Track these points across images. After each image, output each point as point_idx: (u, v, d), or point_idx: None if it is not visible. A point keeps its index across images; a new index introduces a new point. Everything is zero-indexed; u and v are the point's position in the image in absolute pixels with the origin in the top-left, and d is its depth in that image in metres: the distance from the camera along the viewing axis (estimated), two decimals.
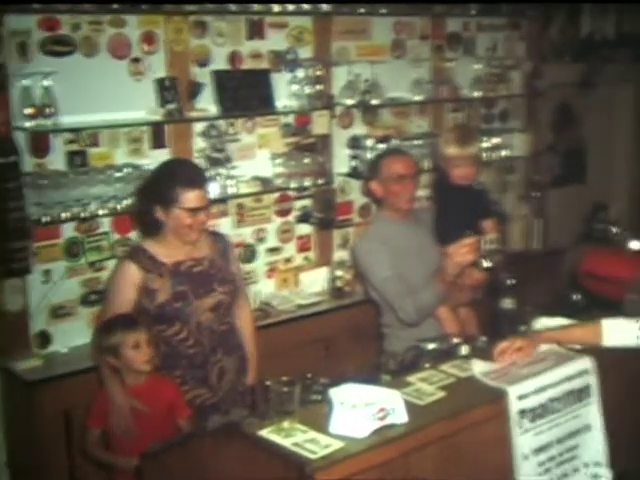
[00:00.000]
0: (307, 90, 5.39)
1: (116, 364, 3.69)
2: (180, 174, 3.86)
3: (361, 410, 2.92)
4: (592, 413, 3.47)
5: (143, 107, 4.85)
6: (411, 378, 3.40)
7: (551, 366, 3.42)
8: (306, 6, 5.31)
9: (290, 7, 5.24)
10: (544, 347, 3.56)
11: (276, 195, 5.54)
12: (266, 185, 5.30)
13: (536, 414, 3.27)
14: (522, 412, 3.23)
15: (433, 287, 4.02)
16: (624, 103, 8.27)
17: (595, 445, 3.49)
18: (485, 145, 6.36)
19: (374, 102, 5.69)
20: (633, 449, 3.85)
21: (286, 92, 5.44)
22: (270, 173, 5.37)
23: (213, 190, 4.93)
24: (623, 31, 7.82)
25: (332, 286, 5.68)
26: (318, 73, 5.41)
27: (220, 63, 5.18)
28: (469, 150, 4.19)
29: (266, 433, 2.94)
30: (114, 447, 3.75)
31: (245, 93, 5.18)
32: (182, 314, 3.83)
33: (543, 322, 3.78)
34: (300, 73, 5.44)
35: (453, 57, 6.36)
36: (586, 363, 3.49)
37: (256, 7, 5.10)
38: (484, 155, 6.34)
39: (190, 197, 3.77)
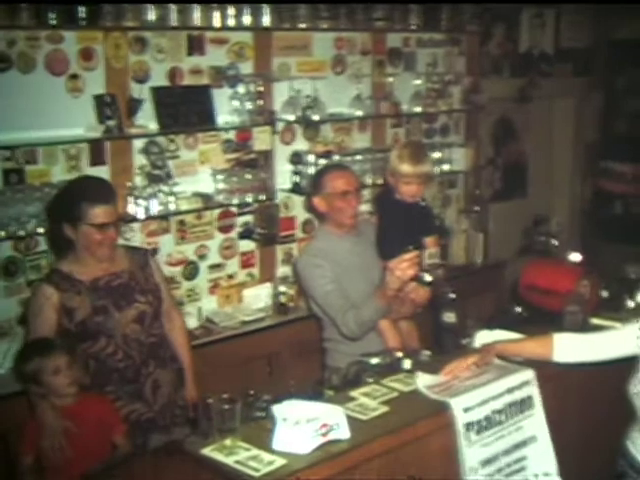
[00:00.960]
0: (248, 106, 5.37)
1: (39, 390, 3.60)
2: (86, 190, 3.84)
3: (304, 426, 2.92)
4: (536, 424, 3.51)
5: (82, 124, 4.79)
6: (354, 393, 3.41)
7: (493, 378, 3.45)
8: (247, 21, 5.28)
9: (231, 23, 5.21)
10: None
11: (218, 211, 5.50)
12: (208, 201, 5.27)
13: (481, 426, 3.30)
14: (468, 425, 3.25)
15: (374, 301, 4.01)
16: (564, 117, 8.37)
17: (543, 455, 3.53)
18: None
19: (315, 118, 5.68)
20: (582, 458, 3.90)
21: (227, 108, 5.41)
22: (211, 189, 5.33)
23: (153, 207, 4.93)
24: (561, 46, 7.91)
25: (275, 302, 5.66)
26: (259, 89, 5.40)
27: (160, 79, 5.14)
28: (422, 168, 4.18)
29: (208, 451, 2.94)
30: (50, 472, 3.61)
31: (185, 109, 5.14)
32: (105, 328, 3.79)
33: (484, 335, 3.80)
34: (241, 89, 5.41)
35: (394, 72, 6.38)
36: (527, 375, 3.52)
37: (196, 22, 5.07)
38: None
39: (97, 213, 3.74)
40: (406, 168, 4.12)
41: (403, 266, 3.85)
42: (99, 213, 3.75)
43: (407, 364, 3.73)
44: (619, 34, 8.07)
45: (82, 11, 4.60)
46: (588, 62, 8.20)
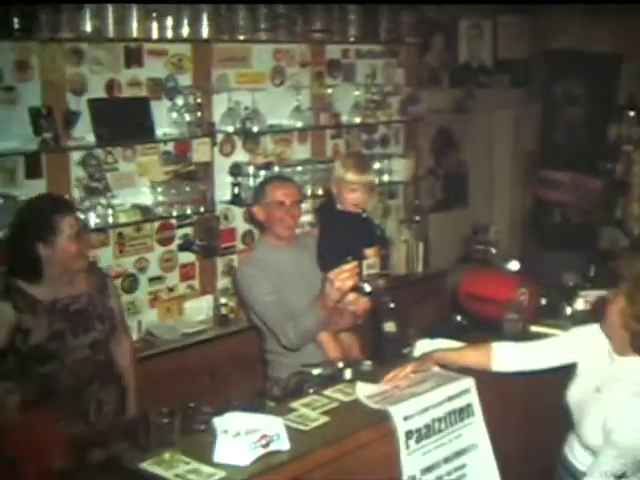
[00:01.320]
0: (187, 118, 5.34)
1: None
2: (55, 204, 3.84)
3: (244, 438, 2.92)
4: (476, 432, 3.53)
5: (17, 136, 4.73)
6: (295, 404, 3.41)
7: (433, 387, 3.47)
8: (185, 33, 5.26)
9: (169, 34, 5.19)
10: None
11: (157, 224, 5.47)
12: (147, 214, 5.23)
13: (421, 434, 3.32)
14: (408, 433, 3.26)
15: (314, 312, 4.01)
16: (503, 127, 8.47)
17: (483, 463, 3.55)
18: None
19: (255, 129, 5.68)
20: (524, 465, 3.93)
21: (166, 120, 5.38)
22: (150, 201, 5.30)
23: (92, 220, 4.89)
24: (499, 57, 8.00)
25: (216, 314, 5.63)
26: (198, 101, 5.38)
27: (97, 91, 5.10)
28: (366, 177, 4.19)
29: (147, 465, 2.92)
30: None
31: (123, 121, 5.10)
32: (58, 353, 3.76)
33: (425, 344, 3.82)
34: (180, 101, 5.39)
35: (333, 84, 6.40)
36: (467, 383, 3.55)
37: (134, 34, 5.04)
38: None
39: (72, 222, 3.76)
40: (351, 176, 4.13)
41: (342, 277, 3.85)
42: (73, 223, 3.77)
43: (348, 374, 3.73)
44: (555, 45, 8.18)
45: (17, 22, 4.53)
46: (526, 73, 8.30)
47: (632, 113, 7.43)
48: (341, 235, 4.20)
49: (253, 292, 4.22)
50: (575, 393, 3.31)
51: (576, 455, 3.32)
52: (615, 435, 3.03)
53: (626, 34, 7.62)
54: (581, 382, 3.31)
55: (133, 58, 5.24)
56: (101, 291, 4.00)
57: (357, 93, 6.49)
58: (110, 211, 5.01)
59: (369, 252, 4.22)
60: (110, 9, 4.88)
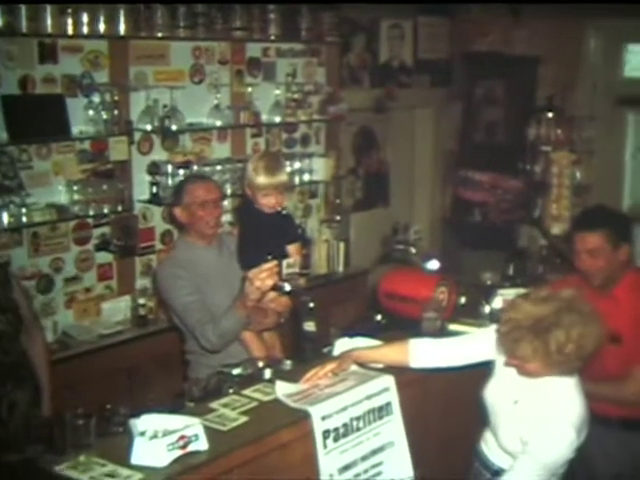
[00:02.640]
0: (104, 115, 5.26)
1: None
2: None
3: (161, 439, 2.89)
4: (394, 429, 3.54)
5: None
6: (214, 404, 3.39)
7: (353, 385, 3.47)
8: (102, 29, 5.17)
9: (85, 30, 5.09)
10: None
11: (73, 223, 5.37)
12: (62, 213, 5.14)
13: (339, 433, 3.31)
14: (326, 432, 3.26)
15: (234, 312, 3.97)
16: (424, 127, 8.51)
17: (399, 461, 3.56)
18: (287, 170, 6.35)
19: (173, 128, 5.62)
20: (443, 460, 3.95)
21: (82, 117, 5.28)
22: (66, 200, 5.21)
23: (4, 219, 4.80)
24: (420, 58, 8.04)
25: (135, 314, 5.57)
26: (115, 98, 5.30)
27: (11, 88, 4.98)
28: (278, 179, 4.16)
29: (62, 468, 2.87)
30: None
31: (38, 118, 4.97)
32: None
33: (344, 343, 3.82)
34: (96, 98, 5.30)
35: (253, 82, 6.35)
36: (387, 381, 3.55)
37: (49, 30, 4.94)
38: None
39: None
40: (262, 180, 4.11)
41: (262, 276, 3.82)
42: None
43: (268, 373, 3.72)
44: (475, 46, 8.27)
45: None
46: (446, 73, 8.36)
47: (550, 114, 7.53)
48: (260, 234, 4.19)
49: (173, 292, 4.17)
50: (493, 396, 3.33)
51: (492, 452, 3.35)
52: (530, 447, 3.07)
53: (544, 37, 7.74)
54: (499, 385, 3.32)
55: (48, 54, 5.13)
56: (2, 285, 3.94)
57: (277, 92, 6.46)
58: (24, 210, 4.91)
59: (291, 249, 4.23)
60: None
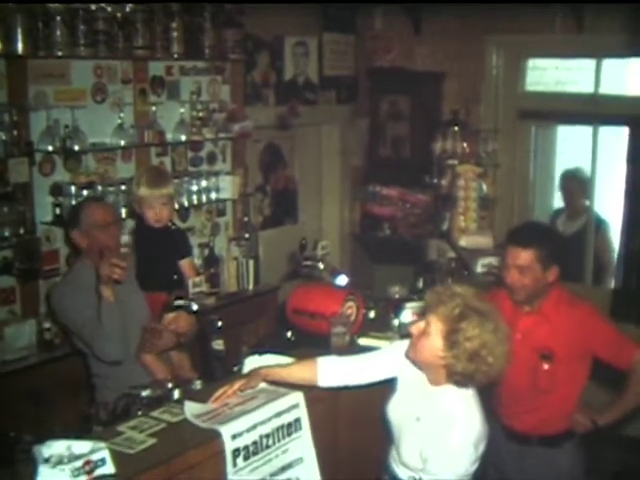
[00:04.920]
0: (3, 136, 5.12)
1: None
2: None
3: (66, 466, 2.83)
4: (303, 445, 3.54)
5: None
6: (121, 427, 3.35)
7: (262, 403, 3.45)
8: None
9: None
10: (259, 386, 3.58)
11: None
12: None
13: (249, 452, 3.30)
14: (236, 451, 3.24)
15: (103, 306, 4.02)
16: (330, 143, 8.53)
17: (308, 476, 3.56)
18: (194, 188, 6.37)
19: (76, 148, 5.51)
20: (354, 475, 3.95)
21: None
22: None
23: None
24: (325, 74, 8.07)
25: (40, 339, 5.43)
26: (14, 118, 5.17)
27: None
28: (161, 191, 4.21)
29: None
30: None
31: None
32: None
33: (254, 360, 3.79)
34: None
35: (157, 101, 6.29)
36: (296, 397, 3.55)
37: None
38: (194, 198, 6.37)
39: None
40: (144, 191, 4.18)
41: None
42: None
43: (176, 394, 3.68)
44: (379, 62, 8.35)
45: None
46: (352, 90, 8.41)
47: (455, 128, 7.63)
48: (154, 252, 4.25)
49: (68, 313, 4.16)
50: (395, 413, 3.35)
51: (398, 467, 3.35)
52: (429, 465, 3.10)
53: (447, 53, 7.88)
54: (402, 401, 3.34)
55: None
56: None
57: (182, 110, 6.41)
58: None
59: (183, 265, 4.23)
60: None
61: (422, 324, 3.12)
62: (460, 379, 3.09)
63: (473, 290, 3.15)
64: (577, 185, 7.45)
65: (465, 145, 7.58)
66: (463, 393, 3.15)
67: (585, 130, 7.56)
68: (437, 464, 3.08)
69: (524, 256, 3.80)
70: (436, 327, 3.06)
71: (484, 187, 7.52)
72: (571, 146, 8.25)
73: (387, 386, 3.46)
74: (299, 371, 3.59)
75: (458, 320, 3.01)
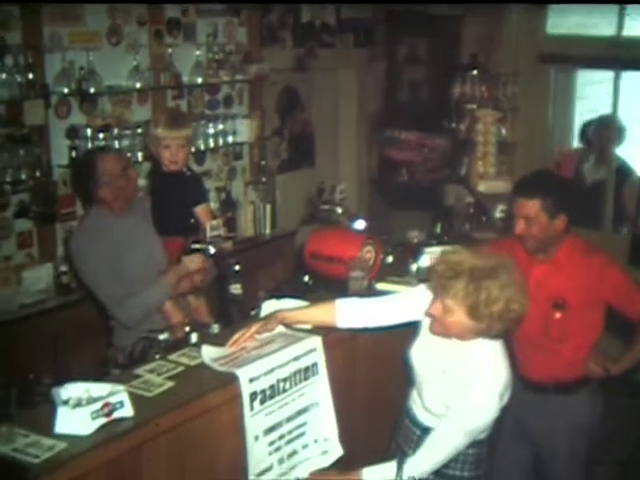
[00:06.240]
0: (18, 78, 5.10)
1: None
2: None
3: (85, 408, 2.84)
4: (319, 390, 3.53)
5: None
6: (139, 370, 3.33)
7: (280, 347, 3.44)
8: None
9: None
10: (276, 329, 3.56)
11: None
12: None
13: (266, 395, 3.30)
14: (253, 394, 3.23)
15: (161, 288, 4.05)
16: (348, 87, 8.46)
17: (323, 421, 3.56)
18: (211, 131, 6.35)
19: (92, 90, 5.49)
20: (370, 420, 3.95)
21: None
22: None
23: None
24: (342, 17, 7.98)
25: (57, 282, 5.46)
26: (29, 60, 5.14)
27: None
28: (179, 132, 4.16)
29: None
30: None
31: None
32: None
33: (271, 304, 3.78)
34: (9, 60, 5.13)
35: (173, 43, 6.24)
36: (314, 342, 3.53)
37: None
38: (211, 142, 6.35)
39: None
40: (162, 132, 4.12)
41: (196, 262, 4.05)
42: None
43: (194, 338, 3.66)
44: (398, 6, 8.23)
45: None
46: (369, 33, 8.31)
47: (474, 72, 7.55)
48: (169, 197, 4.20)
49: (85, 267, 4.13)
50: (419, 361, 3.33)
51: (419, 410, 3.35)
52: (453, 412, 3.10)
53: None
54: (425, 349, 3.31)
55: None
56: None
57: (198, 52, 6.36)
58: None
59: (198, 211, 4.21)
60: None
61: (439, 305, 3.09)
62: (495, 336, 3.08)
63: (469, 251, 3.11)
64: (606, 131, 7.31)
65: (484, 89, 7.52)
66: (492, 345, 3.14)
67: (606, 75, 7.44)
68: (461, 412, 3.08)
69: (529, 206, 3.76)
70: (455, 307, 3.02)
71: (503, 132, 7.47)
72: (591, 91, 8.13)
73: (405, 329, 3.44)
74: (317, 313, 3.56)
75: (474, 295, 2.97)
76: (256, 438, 3.25)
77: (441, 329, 3.14)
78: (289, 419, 3.41)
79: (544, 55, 7.66)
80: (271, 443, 3.32)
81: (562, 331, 3.82)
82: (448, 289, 3.01)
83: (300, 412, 3.46)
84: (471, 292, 2.97)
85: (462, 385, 3.09)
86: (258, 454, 3.27)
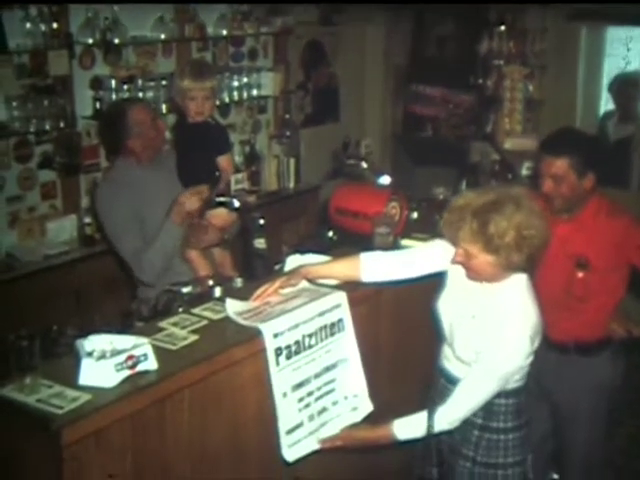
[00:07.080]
0: (42, 28, 5.07)
1: None
2: None
3: (109, 360, 2.82)
4: (347, 346, 3.50)
5: None
6: (163, 323, 3.31)
7: (304, 302, 3.41)
8: None
9: None
10: (300, 284, 3.54)
11: (14, 140, 5.22)
12: (2, 130, 5.00)
13: (291, 351, 3.27)
14: (278, 349, 3.21)
15: (166, 232, 4.01)
16: (374, 41, 8.38)
17: (352, 377, 3.53)
18: (235, 84, 6.31)
19: (116, 41, 5.46)
20: (397, 377, 3.94)
21: (19, 30, 5.07)
22: (5, 117, 5.05)
23: None
24: None
25: (81, 234, 5.46)
26: (53, 10, 5.10)
27: None
28: (204, 83, 4.10)
29: (7, 391, 2.77)
30: None
31: None
32: None
33: (295, 259, 3.75)
34: (33, 10, 5.09)
35: None
36: (339, 297, 3.50)
37: None
38: (235, 94, 6.31)
39: None
40: (188, 83, 4.06)
41: (192, 199, 3.94)
42: None
43: (218, 292, 3.64)
44: None
45: None
46: None
47: (503, 28, 7.45)
48: (193, 147, 4.16)
49: (108, 219, 4.13)
50: (447, 310, 3.30)
51: (453, 365, 3.33)
52: (483, 357, 3.09)
53: None
54: (453, 298, 3.29)
55: None
56: None
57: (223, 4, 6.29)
58: None
59: (221, 161, 4.18)
60: None
61: (461, 251, 3.08)
62: (522, 266, 3.07)
63: (473, 192, 3.12)
64: (633, 89, 7.21)
65: (512, 45, 7.43)
66: (519, 285, 3.13)
67: (637, 32, 7.33)
68: (492, 358, 3.07)
69: (558, 165, 3.69)
70: (472, 248, 3.02)
71: (530, 88, 7.38)
72: (620, 48, 8.01)
73: (430, 284, 3.42)
74: (341, 267, 3.53)
75: (482, 231, 2.97)
76: (284, 395, 3.22)
77: (473, 274, 3.14)
78: (317, 376, 3.38)
79: (574, 12, 7.54)
80: (300, 400, 3.30)
81: (584, 290, 3.79)
82: (459, 234, 3.03)
83: (328, 368, 3.44)
84: (479, 229, 2.98)
85: (492, 328, 3.08)
86: (288, 411, 3.25)
